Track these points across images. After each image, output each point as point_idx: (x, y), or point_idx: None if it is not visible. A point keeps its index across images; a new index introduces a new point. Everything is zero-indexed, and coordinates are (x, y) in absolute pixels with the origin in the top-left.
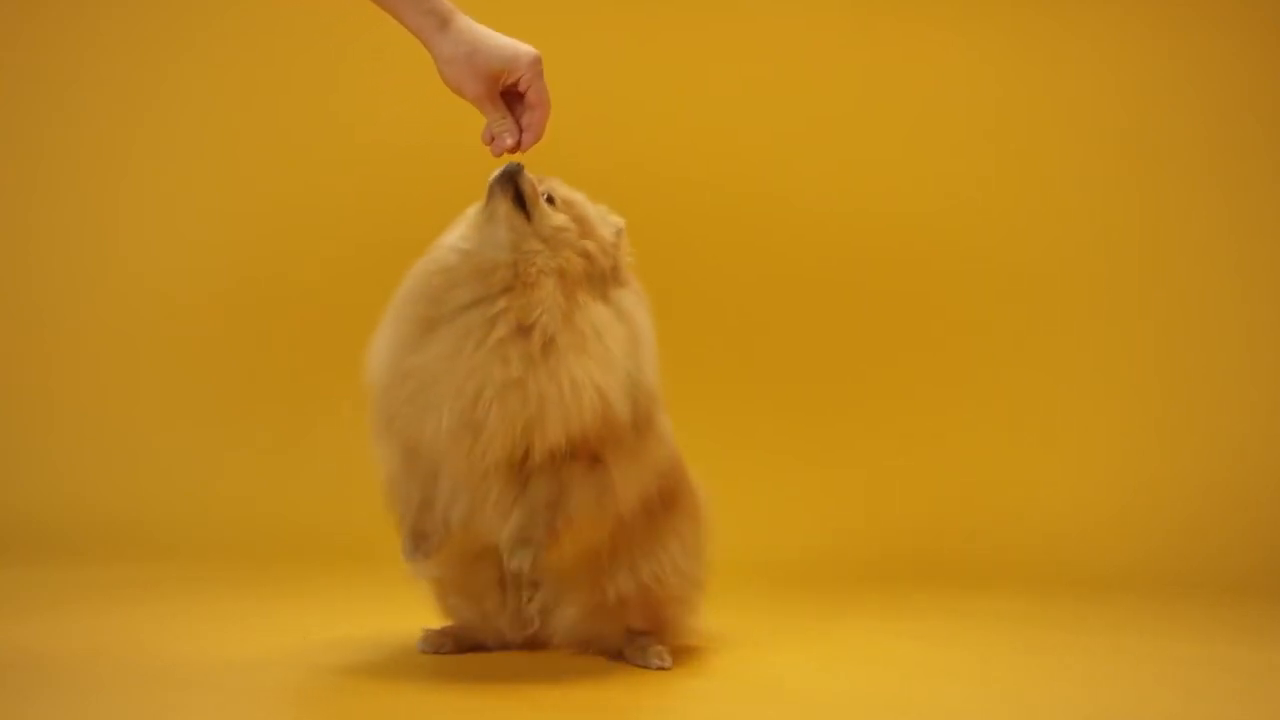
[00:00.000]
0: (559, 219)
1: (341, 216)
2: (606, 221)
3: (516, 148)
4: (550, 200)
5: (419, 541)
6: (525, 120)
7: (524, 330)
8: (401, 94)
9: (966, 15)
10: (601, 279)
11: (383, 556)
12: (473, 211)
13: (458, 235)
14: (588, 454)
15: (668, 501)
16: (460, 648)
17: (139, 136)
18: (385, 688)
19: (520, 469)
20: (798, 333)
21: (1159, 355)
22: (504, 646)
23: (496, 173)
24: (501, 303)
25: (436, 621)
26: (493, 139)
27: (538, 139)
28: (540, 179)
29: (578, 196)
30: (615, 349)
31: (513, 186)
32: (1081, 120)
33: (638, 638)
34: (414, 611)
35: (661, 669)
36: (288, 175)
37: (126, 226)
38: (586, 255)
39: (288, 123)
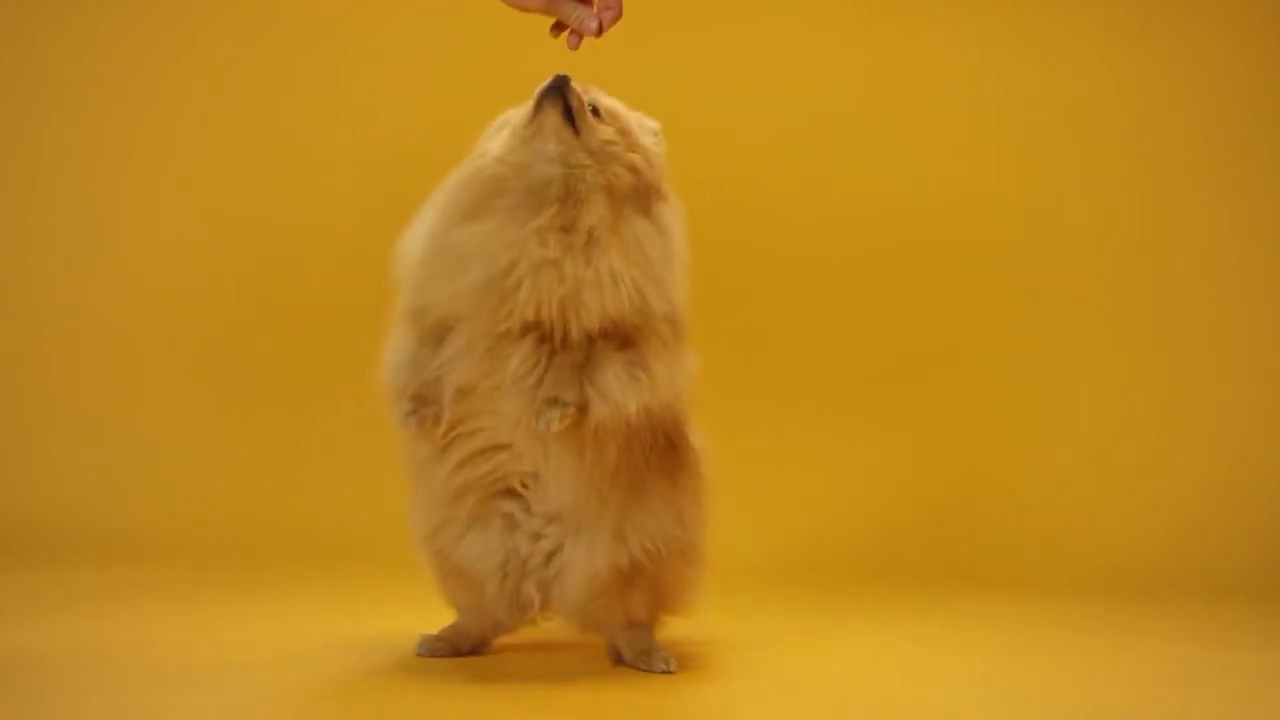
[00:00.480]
0: (606, 132)
1: (342, 217)
2: (645, 128)
3: (600, 30)
4: (595, 112)
5: (418, 404)
6: (600, 3)
7: (568, 229)
8: (402, 94)
9: (967, 16)
10: (646, 193)
11: (382, 558)
12: (516, 118)
13: (503, 147)
14: (621, 338)
15: (671, 463)
16: (457, 652)
17: (139, 136)
18: (385, 689)
19: (547, 341)
20: (797, 333)
21: (1159, 355)
22: (502, 640)
23: (544, 85)
24: (551, 209)
25: (433, 626)
26: (570, 32)
27: (619, 16)
28: (585, 89)
29: (619, 106)
30: (654, 258)
31: (561, 99)
32: (1081, 120)
33: (638, 637)
34: (414, 612)
35: (666, 673)
36: (288, 175)
37: (126, 227)
38: (634, 169)
39: (288, 123)
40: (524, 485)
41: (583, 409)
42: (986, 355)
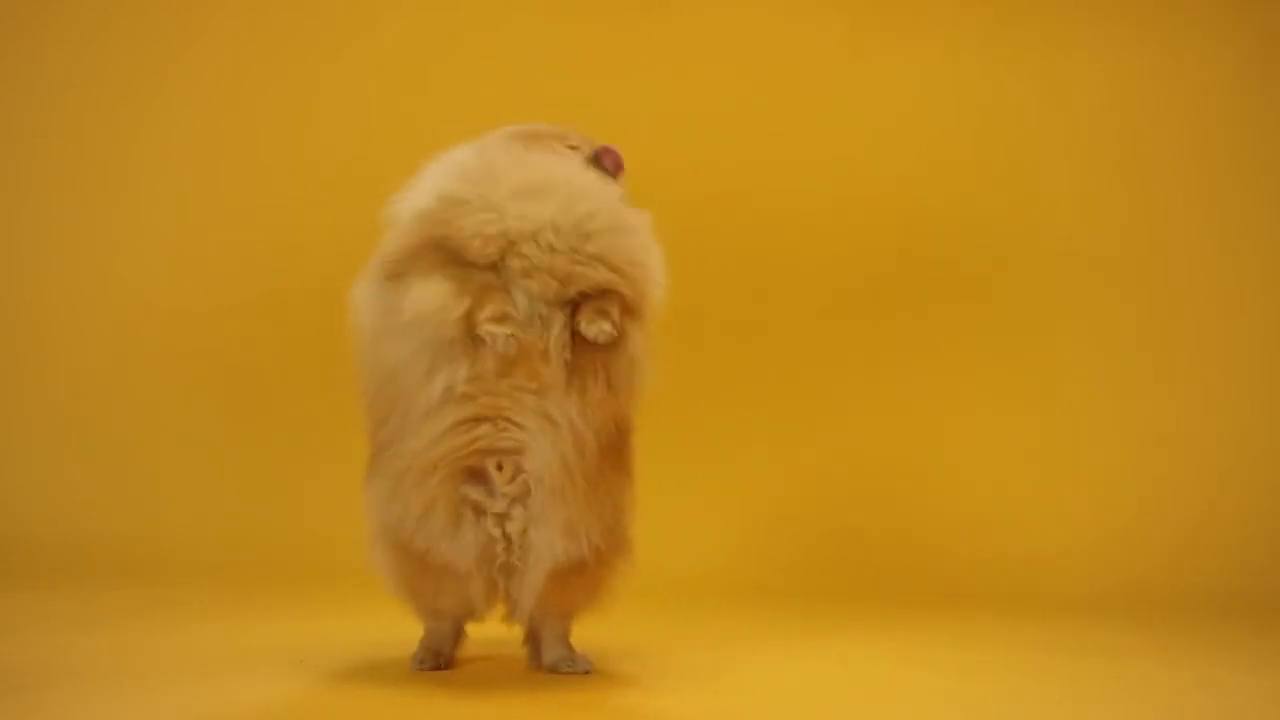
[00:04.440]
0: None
1: (345, 236)
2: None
3: None
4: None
5: (513, 326)
6: None
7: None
8: (402, 102)
9: (957, 24)
10: None
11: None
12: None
13: None
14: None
15: (622, 457)
16: (445, 660)
17: (138, 147)
18: (383, 701)
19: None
20: (780, 343)
21: (1150, 377)
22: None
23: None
24: None
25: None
26: None
27: None
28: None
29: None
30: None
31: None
32: (1072, 128)
33: (559, 642)
34: (413, 626)
35: (588, 673)
36: (290, 188)
37: (129, 238)
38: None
39: (290, 132)
40: (498, 467)
41: (622, 338)
42: (975, 375)
